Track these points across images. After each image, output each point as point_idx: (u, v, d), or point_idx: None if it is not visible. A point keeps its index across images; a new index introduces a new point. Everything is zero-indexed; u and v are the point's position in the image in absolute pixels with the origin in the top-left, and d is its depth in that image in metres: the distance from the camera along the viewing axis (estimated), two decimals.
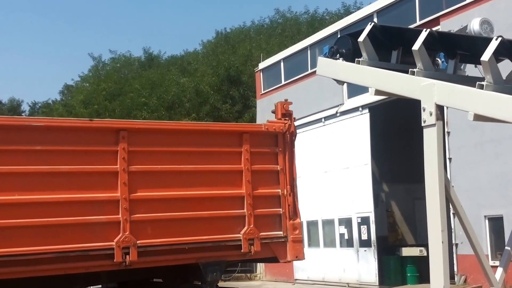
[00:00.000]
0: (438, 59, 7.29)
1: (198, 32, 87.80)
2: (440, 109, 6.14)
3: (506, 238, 13.03)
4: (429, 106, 6.10)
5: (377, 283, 20.34)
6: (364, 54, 7.19)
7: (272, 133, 7.01)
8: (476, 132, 17.39)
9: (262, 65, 29.47)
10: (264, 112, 28.78)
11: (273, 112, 7.32)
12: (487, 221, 17.40)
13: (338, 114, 23.11)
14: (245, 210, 6.72)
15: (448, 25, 15.40)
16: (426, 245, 6.39)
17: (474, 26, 7.07)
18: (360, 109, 21.71)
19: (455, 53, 6.82)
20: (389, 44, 7.31)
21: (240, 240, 6.66)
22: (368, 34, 7.13)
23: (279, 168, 7.02)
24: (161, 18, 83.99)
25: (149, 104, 41.63)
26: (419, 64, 6.51)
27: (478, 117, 5.70)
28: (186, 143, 6.59)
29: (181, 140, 6.59)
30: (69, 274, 6.06)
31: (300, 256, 7.07)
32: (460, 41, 6.83)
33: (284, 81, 27.15)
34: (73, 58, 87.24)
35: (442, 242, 5.92)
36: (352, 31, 7.87)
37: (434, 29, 7.52)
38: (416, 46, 6.49)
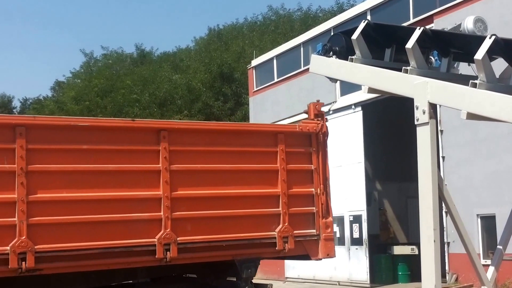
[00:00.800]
0: (432, 57, 7.27)
1: (190, 28, 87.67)
2: (433, 107, 6.12)
3: (498, 237, 13.06)
4: (422, 104, 6.07)
5: (368, 282, 20.34)
6: (357, 52, 7.16)
7: (306, 133, 7.17)
8: (469, 131, 17.41)
9: (254, 62, 29.40)
10: (257, 110, 28.75)
11: (306, 112, 7.46)
12: (479, 219, 17.43)
13: (331, 112, 23.07)
14: (280, 209, 6.91)
15: (442, 23, 15.40)
16: (418, 244, 6.41)
17: (468, 24, 7.05)
18: (353, 107, 21.69)
19: (449, 51, 6.80)
20: (382, 42, 7.28)
21: (275, 238, 6.84)
22: (361, 32, 7.11)
23: (312, 168, 7.17)
24: (154, 14, 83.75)
25: (141, 101, 41.49)
26: (412, 62, 6.48)
27: (471, 116, 5.68)
28: (224, 143, 6.76)
29: (219, 140, 6.77)
30: (108, 269, 6.20)
31: (331, 254, 7.24)
32: (454, 40, 6.81)
33: (277, 78, 27.10)
34: (65, 54, 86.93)
35: (434, 240, 5.90)
36: (346, 29, 7.84)
37: (427, 27, 7.49)
38: (410, 44, 6.46)
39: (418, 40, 6.44)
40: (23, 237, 5.59)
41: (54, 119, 6.72)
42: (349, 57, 7.22)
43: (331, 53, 7.58)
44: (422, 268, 5.98)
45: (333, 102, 23.11)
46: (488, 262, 7.18)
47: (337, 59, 7.44)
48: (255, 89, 29.03)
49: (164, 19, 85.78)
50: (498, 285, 14.46)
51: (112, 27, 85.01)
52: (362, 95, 19.40)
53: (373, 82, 6.90)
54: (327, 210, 7.15)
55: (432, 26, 17.28)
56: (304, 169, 7.11)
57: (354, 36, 7.11)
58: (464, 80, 6.08)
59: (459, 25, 7.23)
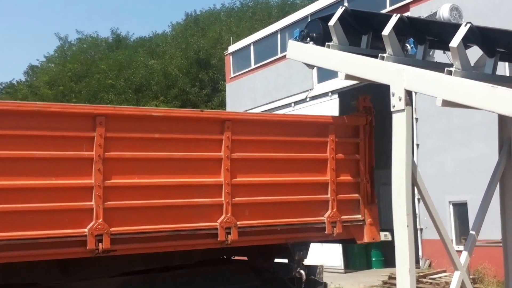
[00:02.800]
0: (408, 45, 7.30)
1: (167, 14, 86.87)
2: (409, 94, 6.15)
3: (470, 224, 13.27)
4: (398, 91, 6.10)
5: (343, 267, 20.54)
6: (334, 38, 7.15)
7: (354, 125, 7.49)
8: (444, 119, 17.62)
9: (231, 48, 29.31)
10: (234, 96, 28.69)
11: (354, 105, 7.79)
12: (451, 206, 17.70)
13: (307, 99, 23.16)
14: (329, 196, 7.20)
15: (417, 11, 15.51)
16: (390, 230, 6.55)
17: (444, 12, 7.08)
18: (330, 94, 21.78)
19: (425, 39, 6.82)
20: (359, 28, 7.28)
21: (324, 222, 7.14)
22: (338, 18, 7.09)
23: (359, 158, 7.49)
24: None
25: (116, 86, 41.12)
26: (388, 50, 6.50)
27: (446, 103, 5.72)
28: (279, 133, 7.07)
29: (275, 130, 7.09)
30: (167, 251, 6.55)
31: (376, 238, 7.62)
32: (430, 27, 6.84)
33: (254, 65, 27.07)
34: (38, 37, 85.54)
35: (408, 225, 5.96)
36: (323, 15, 7.82)
37: (404, 15, 7.52)
38: (386, 31, 6.47)
39: (394, 28, 6.45)
40: (100, 220, 5.87)
41: (131, 109, 7.23)
42: (326, 43, 7.21)
43: (308, 39, 7.55)
44: (396, 253, 6.04)
45: (310, 89, 23.17)
46: (461, 248, 7.28)
47: (314, 45, 7.42)
48: (232, 76, 28.97)
49: (140, 3, 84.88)
50: (471, 271, 14.74)
51: (87, 11, 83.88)
52: (339, 83, 19.48)
53: (349, 68, 6.91)
54: (372, 198, 7.51)
55: (409, 14, 17.39)
56: (351, 159, 7.43)
57: (331, 22, 7.10)
58: (439, 67, 6.10)
59: (435, 13, 7.26)
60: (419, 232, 18.04)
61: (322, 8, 22.16)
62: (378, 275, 17.39)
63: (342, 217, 7.23)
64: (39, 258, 5.78)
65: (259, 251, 7.54)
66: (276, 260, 7.76)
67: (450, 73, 5.72)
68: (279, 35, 25.09)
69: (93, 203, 5.87)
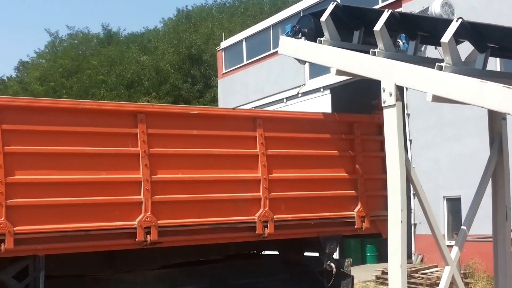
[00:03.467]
0: (399, 40, 7.29)
1: (159, 9, 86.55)
2: (400, 89, 6.15)
3: (463, 219, 13.31)
4: (389, 86, 6.10)
5: None
6: (326, 33, 7.14)
7: (378, 123, 7.61)
8: (436, 114, 17.64)
9: (224, 44, 29.23)
10: (226, 92, 28.63)
11: (375, 104, 7.86)
12: (445, 201, 17.75)
13: (299, 95, 23.15)
14: (358, 191, 7.51)
15: (410, 7, 15.48)
16: None
17: (435, 8, 7.09)
18: (322, 90, 21.78)
19: (416, 34, 6.83)
20: (351, 24, 7.27)
21: (354, 217, 7.45)
22: (330, 14, 7.08)
23: (384, 155, 7.58)
24: None
25: (108, 82, 40.95)
26: (380, 45, 6.49)
27: (437, 98, 5.72)
28: (310, 130, 7.38)
29: (306, 128, 7.39)
30: (203, 244, 6.89)
31: None
32: (421, 23, 6.84)
33: (246, 60, 27.01)
34: (29, 33, 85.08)
35: (401, 221, 5.96)
36: (315, 11, 7.80)
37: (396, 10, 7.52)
38: (378, 26, 6.46)
39: (386, 23, 6.45)
40: (148, 213, 6.14)
41: (168, 107, 7.78)
42: (318, 39, 7.20)
43: (300, 34, 7.54)
44: (388, 248, 6.04)
45: (302, 85, 23.15)
46: (453, 243, 7.31)
47: (306, 41, 7.41)
48: (224, 71, 28.90)
49: None
50: (462, 266, 14.78)
51: (79, 6, 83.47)
52: (331, 78, 19.46)
53: (341, 64, 6.90)
54: None
55: (401, 9, 17.39)
56: (377, 155, 7.64)
57: (323, 18, 7.09)
58: (430, 63, 6.10)
59: (427, 9, 7.26)
60: (412, 227, 18.08)
61: (315, 3, 22.12)
62: (372, 270, 17.42)
63: (370, 212, 7.52)
64: (92, 249, 6.12)
65: (291, 245, 7.84)
66: (306, 253, 8.09)
67: (440, 68, 5.72)
68: (271, 31, 25.05)
69: (141, 196, 6.14)
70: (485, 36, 6.00)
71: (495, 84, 5.16)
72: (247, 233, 6.82)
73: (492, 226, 6.97)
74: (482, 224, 7.90)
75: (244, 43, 27.28)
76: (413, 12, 7.67)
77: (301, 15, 19.12)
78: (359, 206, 7.47)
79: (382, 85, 6.17)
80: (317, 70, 21.12)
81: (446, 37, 5.74)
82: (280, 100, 23.98)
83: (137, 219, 6.08)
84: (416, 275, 15.34)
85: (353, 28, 7.25)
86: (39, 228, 5.67)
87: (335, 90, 21.22)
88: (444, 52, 5.82)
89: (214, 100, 36.34)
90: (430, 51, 7.15)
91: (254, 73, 26.20)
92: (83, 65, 44.34)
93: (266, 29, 25.59)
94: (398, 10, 16.16)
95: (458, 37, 5.89)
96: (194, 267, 7.42)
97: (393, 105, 6.08)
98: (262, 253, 8.43)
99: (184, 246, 6.75)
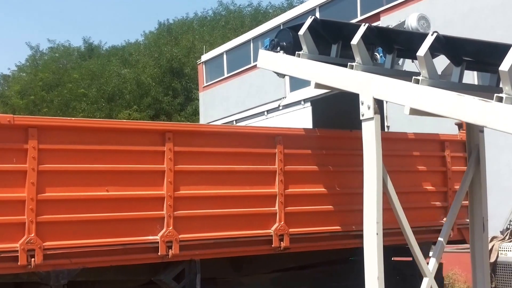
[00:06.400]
0: (377, 54, 7.37)
1: (140, 22, 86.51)
2: (378, 102, 6.19)
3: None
4: (367, 100, 6.14)
5: None
6: (304, 47, 7.19)
7: (464, 141, 8.07)
8: (415, 127, 17.75)
9: (204, 57, 29.28)
10: (207, 105, 28.61)
11: (458, 124, 8.64)
12: None
13: (280, 108, 23.22)
14: (447, 202, 8.21)
15: (388, 21, 15.66)
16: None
17: (411, 21, 7.18)
18: (302, 102, 21.88)
19: (393, 48, 6.90)
20: (329, 38, 7.33)
21: (441, 226, 7.67)
22: (308, 28, 7.13)
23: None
24: (102, 7, 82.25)
25: (89, 95, 40.70)
26: (357, 58, 6.55)
27: (414, 111, 5.77)
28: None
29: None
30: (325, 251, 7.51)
31: None
32: (398, 36, 6.91)
33: (227, 74, 27.06)
34: (9, 46, 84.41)
35: (377, 233, 5.99)
36: (293, 25, 7.86)
37: (374, 24, 7.59)
38: (355, 40, 6.52)
39: (363, 37, 6.50)
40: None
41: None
42: (296, 52, 7.24)
43: (278, 48, 7.59)
44: (365, 261, 6.06)
45: (283, 97, 23.24)
46: (429, 254, 7.35)
47: (284, 54, 7.46)
48: (205, 84, 28.92)
49: (113, 12, 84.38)
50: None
51: (59, 20, 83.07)
52: (312, 91, 19.56)
53: (319, 77, 6.94)
54: None
55: (379, 23, 17.59)
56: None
57: (301, 31, 7.14)
58: (408, 76, 6.16)
59: (403, 23, 7.35)
60: None
61: (294, 17, 22.29)
62: None
63: (457, 221, 7.86)
64: (235, 254, 6.91)
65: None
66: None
67: (417, 81, 5.78)
68: (251, 44, 25.16)
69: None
70: (460, 50, 6.08)
71: (471, 97, 5.22)
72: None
73: (470, 238, 7.03)
74: None
75: (224, 56, 27.36)
76: (390, 26, 7.76)
77: (281, 28, 19.26)
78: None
79: (361, 98, 6.22)
80: (297, 83, 21.24)
81: (422, 51, 5.81)
82: (261, 113, 24.04)
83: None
84: None
85: (331, 42, 7.31)
86: (198, 236, 6.54)
87: (316, 103, 21.33)
88: (420, 65, 5.88)
89: (195, 113, 36.29)
90: (408, 65, 7.23)
91: (235, 86, 26.26)
92: (64, 78, 44.05)
93: (247, 42, 25.70)
94: (376, 23, 16.38)
95: (433, 50, 5.96)
96: (298, 271, 7.97)
97: (371, 118, 6.12)
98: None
99: (299, 252, 7.33)
